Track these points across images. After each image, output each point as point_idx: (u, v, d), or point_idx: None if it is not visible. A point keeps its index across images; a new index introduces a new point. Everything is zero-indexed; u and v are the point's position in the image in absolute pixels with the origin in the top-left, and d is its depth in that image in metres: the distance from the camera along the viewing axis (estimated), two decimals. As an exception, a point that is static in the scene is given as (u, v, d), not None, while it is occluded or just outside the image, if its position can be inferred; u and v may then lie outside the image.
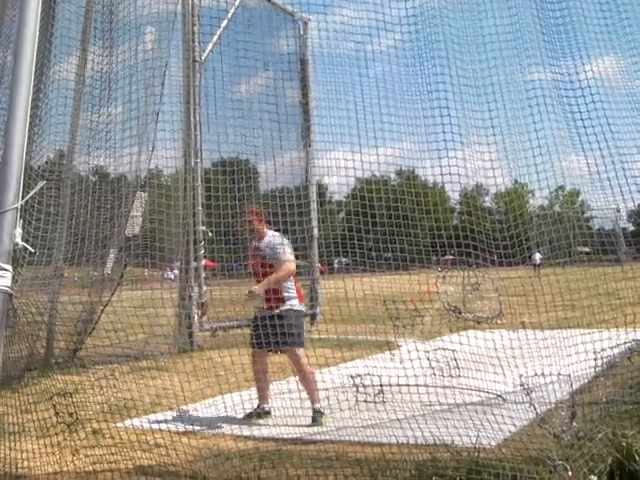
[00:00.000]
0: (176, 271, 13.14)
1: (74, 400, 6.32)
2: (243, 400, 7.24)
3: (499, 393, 7.53)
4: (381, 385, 6.48)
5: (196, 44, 12.30)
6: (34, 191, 6.18)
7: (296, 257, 9.00)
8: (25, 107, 5.79)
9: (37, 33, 6.04)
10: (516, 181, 7.22)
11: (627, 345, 5.95)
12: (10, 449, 6.02)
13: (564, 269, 6.66)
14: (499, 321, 6.51)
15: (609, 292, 6.31)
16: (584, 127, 6.39)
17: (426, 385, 6.80)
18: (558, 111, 6.58)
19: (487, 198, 10.62)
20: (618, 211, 7.12)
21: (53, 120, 8.25)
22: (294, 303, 7.98)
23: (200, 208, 11.65)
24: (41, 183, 6.48)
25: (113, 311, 8.32)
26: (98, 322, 9.73)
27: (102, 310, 9.69)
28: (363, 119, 6.78)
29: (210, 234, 11.29)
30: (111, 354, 8.07)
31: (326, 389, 7.63)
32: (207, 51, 12.05)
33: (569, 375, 5.70)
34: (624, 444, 5.25)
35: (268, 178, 10.23)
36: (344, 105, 7.14)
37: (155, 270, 12.28)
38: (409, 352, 6.43)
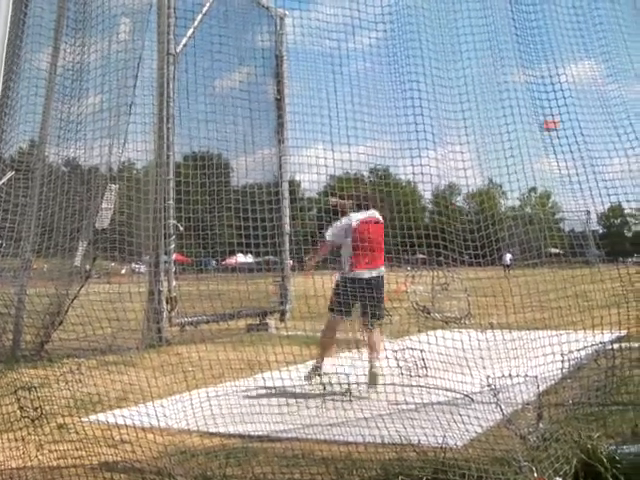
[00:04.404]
0: (143, 267, 13.06)
1: (39, 394, 6.25)
2: (210, 397, 7.19)
3: (466, 393, 7.56)
4: (348, 384, 6.48)
5: (171, 36, 12.21)
6: (2, 181, 6.11)
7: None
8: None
9: (9, 21, 5.96)
10: (490, 181, 7.24)
11: (594, 347, 5.99)
12: (-27, 444, 5.96)
13: (534, 270, 6.68)
14: (467, 321, 6.53)
15: (578, 294, 6.34)
16: (556, 130, 6.42)
17: (393, 384, 6.80)
18: (531, 113, 6.61)
19: (459, 198, 10.66)
20: (588, 213, 7.16)
21: (24, 110, 8.17)
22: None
23: (171, 202, 11.59)
24: (10, 173, 6.42)
25: (81, 304, 8.25)
26: (66, 315, 9.65)
27: (70, 303, 9.61)
28: (336, 117, 6.77)
29: (181, 228, 11.26)
30: (78, 348, 7.99)
31: (293, 386, 7.62)
32: (182, 44, 11.98)
33: (536, 376, 5.72)
34: (589, 446, 5.28)
35: (240, 173, 10.23)
36: (318, 102, 7.13)
37: (125, 264, 12.20)
38: (377, 351, 6.44)
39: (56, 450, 6.16)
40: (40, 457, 6.04)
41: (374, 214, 8.74)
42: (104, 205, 9.33)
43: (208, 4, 11.97)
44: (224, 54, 9.27)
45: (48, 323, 9.73)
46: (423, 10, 6.76)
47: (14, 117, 8.09)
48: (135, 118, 8.47)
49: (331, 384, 6.51)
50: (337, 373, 6.50)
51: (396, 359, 6.47)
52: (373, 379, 7.85)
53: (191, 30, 11.73)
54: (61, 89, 8.56)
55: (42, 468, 5.93)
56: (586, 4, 6.65)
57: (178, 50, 12.10)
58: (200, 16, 11.53)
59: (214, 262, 12.78)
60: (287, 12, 12.16)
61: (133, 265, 12.69)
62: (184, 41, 11.91)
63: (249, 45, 10.78)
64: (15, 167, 8.13)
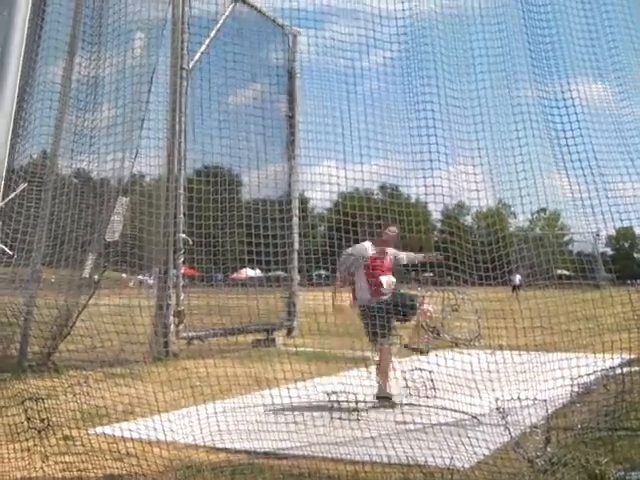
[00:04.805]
0: (151, 280, 13.06)
1: (46, 405, 6.23)
2: (217, 412, 7.17)
3: (474, 415, 7.52)
4: (356, 402, 6.44)
5: (184, 52, 12.24)
6: (15, 193, 6.12)
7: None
8: (10, 107, 5.73)
9: (25, 34, 5.99)
10: (500, 201, 7.23)
11: (603, 372, 5.95)
12: (-22, 453, 5.94)
13: (544, 292, 6.66)
14: (477, 343, 6.50)
15: (587, 317, 6.31)
16: (569, 153, 6.41)
17: (401, 404, 6.77)
18: (544, 134, 6.61)
19: (468, 218, 10.65)
20: (598, 235, 7.14)
21: (38, 122, 8.21)
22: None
23: (182, 216, 11.59)
24: (22, 185, 6.43)
25: (89, 316, 8.24)
26: (74, 327, 9.64)
27: (78, 314, 9.61)
28: (349, 135, 6.77)
29: (191, 242, 11.25)
30: (86, 359, 7.98)
31: (300, 404, 7.58)
32: (195, 59, 12.02)
33: (545, 400, 5.69)
34: (597, 471, 5.24)
35: (251, 189, 10.25)
36: (331, 120, 7.13)
37: (134, 276, 12.21)
38: (386, 370, 6.41)
39: (61, 462, 6.13)
40: (45, 468, 6.01)
41: None
42: (115, 217, 9.35)
43: (222, 20, 12.03)
44: (238, 70, 9.31)
45: (56, 334, 9.73)
46: (438, 30, 6.77)
47: (28, 129, 8.13)
48: (148, 132, 8.51)
49: (339, 402, 6.47)
50: (345, 392, 6.47)
51: (405, 380, 6.44)
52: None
53: (205, 46, 11.79)
54: (75, 102, 8.60)
55: (47, 479, 5.90)
56: (598, 13, 6.66)
57: (191, 65, 12.13)
58: (214, 32, 11.58)
59: (220, 276, 12.78)
60: (301, 30, 12.18)
61: (141, 277, 12.68)
62: (197, 56, 11.96)
63: (262, 62, 10.82)
64: (28, 179, 8.15)
